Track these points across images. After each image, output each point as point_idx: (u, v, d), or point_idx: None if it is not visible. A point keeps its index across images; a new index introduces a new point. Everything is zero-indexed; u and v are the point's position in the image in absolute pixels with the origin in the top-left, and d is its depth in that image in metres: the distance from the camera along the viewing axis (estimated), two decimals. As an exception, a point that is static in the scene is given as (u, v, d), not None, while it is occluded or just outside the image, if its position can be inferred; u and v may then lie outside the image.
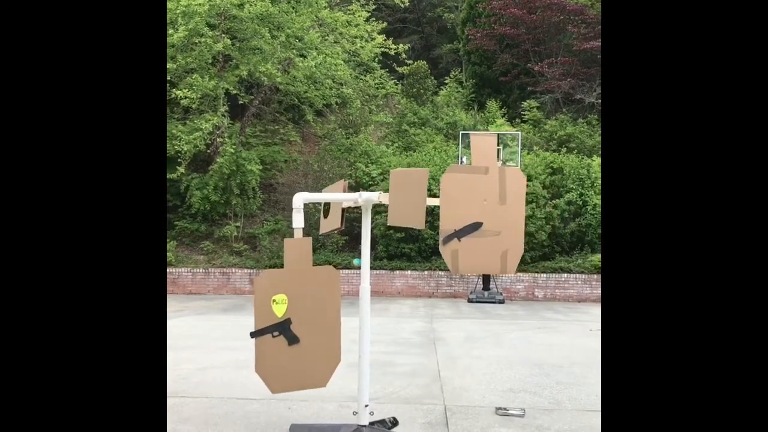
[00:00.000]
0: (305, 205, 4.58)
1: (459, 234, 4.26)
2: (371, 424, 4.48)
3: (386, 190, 4.41)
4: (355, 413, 4.48)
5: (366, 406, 4.42)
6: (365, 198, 4.42)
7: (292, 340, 4.13)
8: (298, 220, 4.39)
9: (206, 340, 9.02)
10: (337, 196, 4.86)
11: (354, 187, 17.79)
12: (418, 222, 3.96)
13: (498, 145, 15.82)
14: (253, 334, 4.19)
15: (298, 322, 4.16)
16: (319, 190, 17.31)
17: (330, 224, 5.00)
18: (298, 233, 4.37)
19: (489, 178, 4.21)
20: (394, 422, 4.80)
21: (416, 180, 4.06)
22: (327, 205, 5.11)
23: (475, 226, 4.26)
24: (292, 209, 4.43)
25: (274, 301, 4.13)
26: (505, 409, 5.19)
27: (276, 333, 4.13)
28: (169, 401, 5.34)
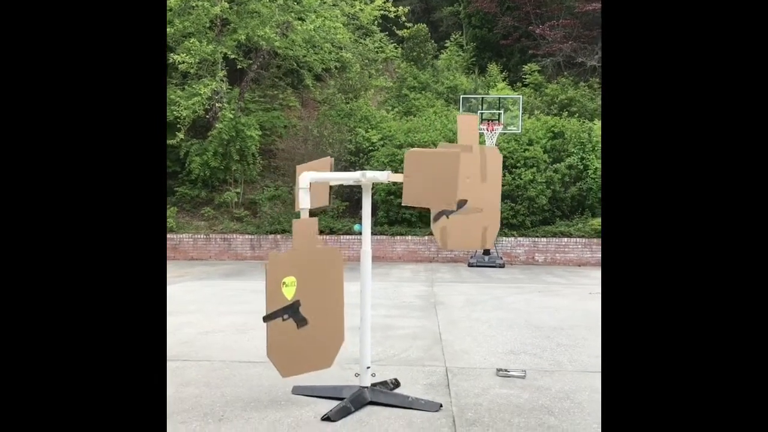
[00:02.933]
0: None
1: (448, 211, 4.47)
2: (373, 385, 4.51)
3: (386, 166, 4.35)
4: (357, 375, 4.50)
5: (368, 367, 4.45)
6: (369, 177, 4.35)
7: (301, 322, 4.09)
8: (304, 201, 4.24)
9: (208, 304, 9.06)
10: (342, 175, 4.70)
11: (354, 153, 17.72)
12: (447, 202, 4.00)
13: (499, 108, 15.70)
14: (265, 318, 4.10)
15: (305, 304, 4.12)
16: (319, 157, 17.27)
17: (312, 201, 4.66)
18: (305, 213, 4.23)
19: (472, 157, 4.35)
20: (396, 383, 4.83)
21: (446, 161, 4.01)
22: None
23: (461, 204, 4.45)
24: (294, 177, 4.34)
25: (284, 283, 4.06)
26: (506, 370, 5.22)
27: (286, 316, 4.07)
28: (172, 365, 5.38)
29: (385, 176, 4.41)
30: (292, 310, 4.08)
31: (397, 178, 4.43)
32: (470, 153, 4.36)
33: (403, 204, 4.16)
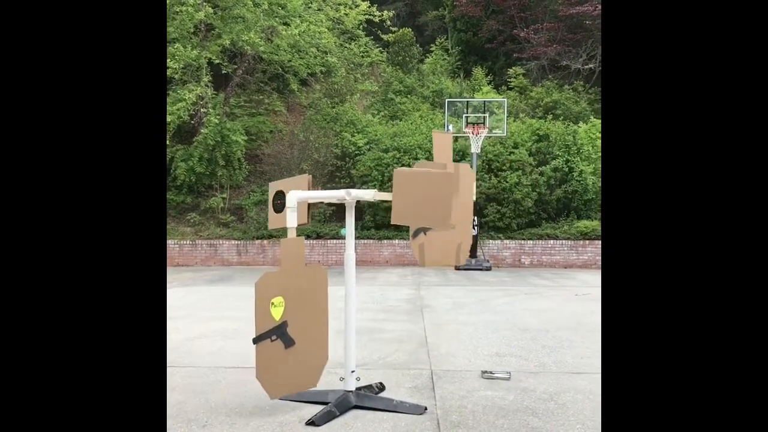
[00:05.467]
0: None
1: (426, 228, 4.57)
2: (358, 389, 4.52)
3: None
4: (341, 379, 4.50)
5: (352, 371, 4.45)
6: (354, 196, 4.35)
7: (289, 342, 4.11)
8: (292, 220, 4.25)
9: (194, 310, 9.02)
10: (327, 194, 4.69)
11: (340, 157, 17.72)
12: (442, 222, 3.95)
13: (484, 112, 15.74)
14: (255, 340, 4.09)
15: (292, 324, 4.13)
16: (305, 161, 17.25)
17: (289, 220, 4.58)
18: (292, 233, 4.25)
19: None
20: (381, 387, 4.83)
21: (441, 181, 3.97)
22: (278, 198, 4.76)
23: None
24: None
25: (272, 304, 4.07)
26: (491, 372, 5.24)
27: (274, 337, 4.09)
28: (157, 371, 5.35)
29: (371, 195, 4.43)
30: (280, 331, 4.08)
31: (384, 196, 4.42)
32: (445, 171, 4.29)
33: (392, 222, 4.11)
